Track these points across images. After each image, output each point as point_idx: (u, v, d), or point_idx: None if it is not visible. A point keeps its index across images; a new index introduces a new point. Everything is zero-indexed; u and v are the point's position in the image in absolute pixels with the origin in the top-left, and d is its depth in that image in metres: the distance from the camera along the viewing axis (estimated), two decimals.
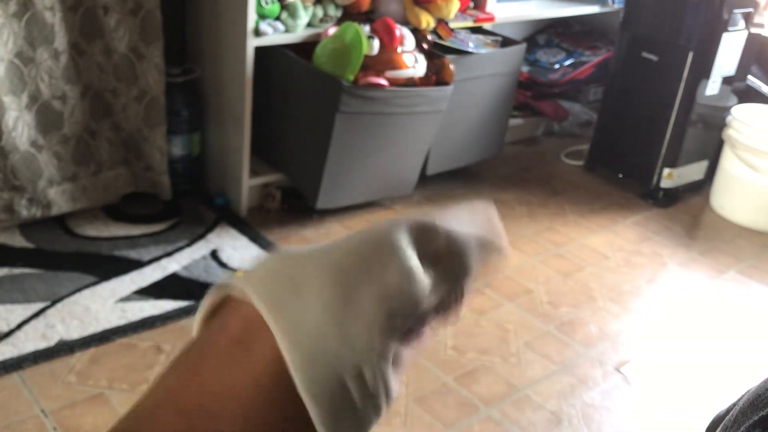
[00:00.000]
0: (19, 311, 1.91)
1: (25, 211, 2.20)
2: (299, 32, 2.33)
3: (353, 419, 0.29)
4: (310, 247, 0.32)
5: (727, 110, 2.90)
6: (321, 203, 2.41)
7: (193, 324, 0.32)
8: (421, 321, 0.32)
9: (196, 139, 2.50)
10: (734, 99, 2.95)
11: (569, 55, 3.33)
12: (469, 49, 2.62)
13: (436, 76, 2.44)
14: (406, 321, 0.31)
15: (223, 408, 0.28)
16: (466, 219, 0.34)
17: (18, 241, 2.21)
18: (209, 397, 0.29)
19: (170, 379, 0.30)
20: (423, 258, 0.31)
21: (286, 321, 0.29)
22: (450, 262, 0.32)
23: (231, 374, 0.29)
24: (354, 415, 0.29)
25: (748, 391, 0.46)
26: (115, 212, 2.40)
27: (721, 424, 0.47)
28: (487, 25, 2.86)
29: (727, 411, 0.48)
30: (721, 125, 2.92)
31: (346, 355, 0.29)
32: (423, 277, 0.31)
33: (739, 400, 0.47)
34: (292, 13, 2.29)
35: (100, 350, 1.83)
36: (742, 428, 0.43)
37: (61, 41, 2.11)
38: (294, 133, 2.41)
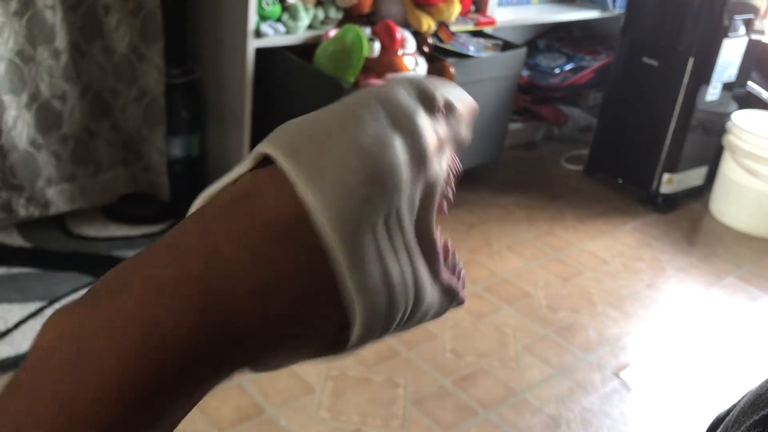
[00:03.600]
0: (16, 311, 1.91)
1: (23, 210, 2.20)
2: (300, 34, 2.33)
3: (379, 272, 0.28)
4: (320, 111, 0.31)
5: (727, 116, 2.91)
6: None
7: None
8: (439, 178, 0.31)
9: (196, 140, 2.50)
10: (734, 105, 2.95)
11: (569, 59, 3.33)
12: (470, 53, 2.62)
13: None
14: (431, 167, 0.30)
15: (231, 252, 0.26)
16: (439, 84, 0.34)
17: (16, 240, 2.20)
18: (216, 240, 0.27)
19: (172, 231, 0.28)
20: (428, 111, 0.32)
21: (305, 165, 0.27)
22: (449, 115, 0.33)
23: (237, 222, 0.27)
24: (381, 268, 0.28)
25: (748, 392, 0.46)
26: (114, 212, 2.40)
27: (722, 425, 0.47)
28: (487, 29, 2.86)
29: (728, 411, 0.48)
30: (721, 131, 2.92)
31: (375, 197, 0.28)
32: (432, 125, 0.31)
33: (739, 401, 0.47)
34: (293, 15, 2.29)
35: None
36: (742, 428, 0.43)
37: (61, 41, 2.11)
38: None
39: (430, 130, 0.31)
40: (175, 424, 0.26)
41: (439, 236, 0.33)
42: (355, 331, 0.29)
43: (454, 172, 0.33)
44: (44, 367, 0.24)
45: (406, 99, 0.31)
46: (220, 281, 0.26)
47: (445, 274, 0.33)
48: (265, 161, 0.29)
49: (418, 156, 0.30)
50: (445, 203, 0.33)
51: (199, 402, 0.27)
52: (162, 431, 0.25)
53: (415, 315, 0.31)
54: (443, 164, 0.32)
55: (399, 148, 0.29)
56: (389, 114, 0.30)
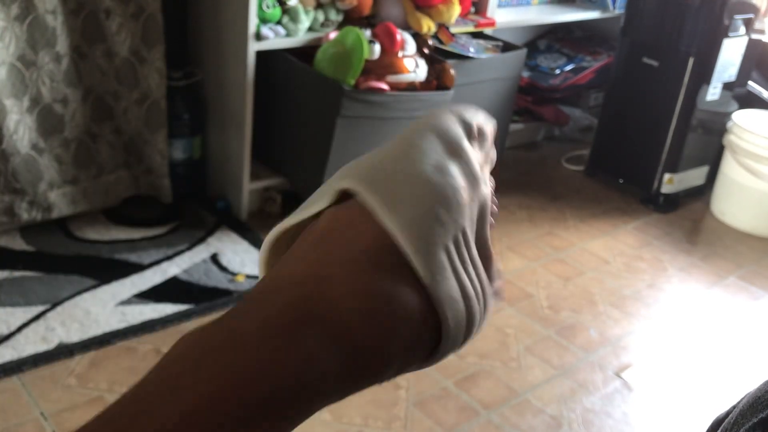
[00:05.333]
0: (19, 314, 1.91)
1: (25, 214, 2.21)
2: (300, 36, 2.33)
3: (456, 285, 0.31)
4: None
5: (727, 116, 2.91)
6: None
7: (259, 264, 0.34)
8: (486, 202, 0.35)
9: (197, 142, 2.50)
10: (735, 105, 2.95)
11: (570, 60, 3.33)
12: (470, 54, 2.62)
13: (437, 80, 2.44)
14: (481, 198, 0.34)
15: (335, 275, 0.29)
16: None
17: (18, 244, 2.21)
18: (323, 267, 0.30)
19: (288, 261, 0.31)
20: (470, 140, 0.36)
21: (383, 197, 0.31)
22: (482, 138, 0.37)
23: (339, 252, 0.30)
24: (457, 281, 0.31)
25: (747, 394, 0.46)
26: (116, 215, 2.40)
27: (721, 427, 0.47)
28: (488, 30, 2.86)
29: (727, 413, 0.48)
30: (722, 131, 2.93)
31: (444, 219, 0.31)
32: (475, 149, 0.35)
33: (738, 402, 0.47)
34: (294, 18, 2.29)
35: (100, 353, 1.83)
36: (741, 430, 0.43)
37: (62, 45, 2.12)
38: (295, 137, 2.41)
39: (475, 154, 0.35)
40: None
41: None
42: (443, 341, 0.31)
43: (493, 188, 0.37)
44: (186, 366, 0.27)
45: (454, 128, 0.35)
46: (337, 310, 0.29)
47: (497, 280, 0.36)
48: (341, 197, 0.32)
49: (472, 179, 0.33)
50: (491, 218, 0.36)
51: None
52: None
53: (484, 321, 0.34)
54: (487, 183, 0.35)
55: (457, 174, 0.33)
56: (443, 143, 0.33)
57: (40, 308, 1.94)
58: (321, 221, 0.32)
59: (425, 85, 2.41)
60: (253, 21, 2.19)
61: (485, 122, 0.37)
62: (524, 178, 3.09)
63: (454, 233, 0.32)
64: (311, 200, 0.33)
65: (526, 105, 3.26)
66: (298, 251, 0.31)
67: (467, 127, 0.36)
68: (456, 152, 0.34)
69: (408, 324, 0.30)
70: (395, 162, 0.32)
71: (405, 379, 1.88)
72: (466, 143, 0.34)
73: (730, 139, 2.85)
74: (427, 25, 2.51)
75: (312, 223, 0.32)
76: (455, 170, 0.33)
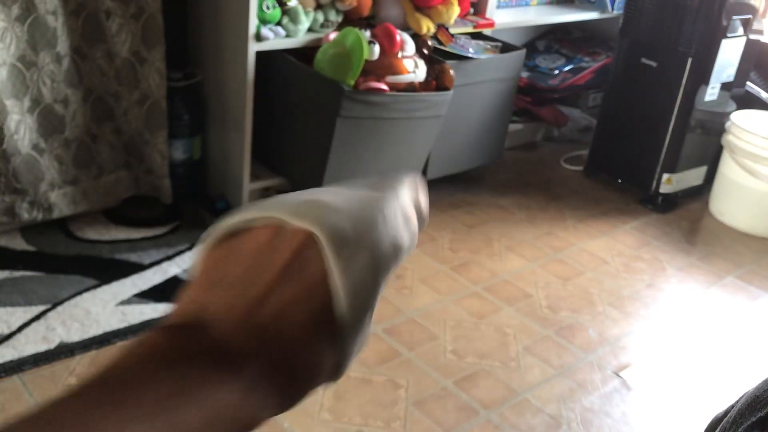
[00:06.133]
0: (19, 314, 1.92)
1: (26, 214, 2.21)
2: (300, 37, 2.34)
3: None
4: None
5: (726, 116, 2.92)
6: None
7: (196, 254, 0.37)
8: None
9: (198, 143, 2.51)
10: (733, 105, 2.96)
11: (569, 60, 3.34)
12: (470, 55, 2.63)
13: (437, 81, 2.45)
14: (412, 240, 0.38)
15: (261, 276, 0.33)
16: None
17: (19, 244, 2.21)
18: (241, 270, 0.34)
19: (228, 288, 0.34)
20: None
21: (344, 261, 0.33)
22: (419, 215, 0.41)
23: (292, 291, 0.33)
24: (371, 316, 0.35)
25: (746, 393, 0.47)
26: (116, 215, 2.41)
27: (720, 426, 0.48)
28: (487, 31, 2.87)
29: (726, 413, 0.49)
30: (720, 131, 2.93)
31: (381, 285, 0.35)
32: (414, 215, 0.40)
33: (737, 401, 0.48)
34: (293, 18, 2.30)
35: (100, 353, 1.83)
36: (740, 429, 0.44)
37: (63, 45, 2.12)
38: (295, 138, 2.42)
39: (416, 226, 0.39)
40: None
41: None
42: (344, 366, 0.35)
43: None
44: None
45: (409, 204, 0.38)
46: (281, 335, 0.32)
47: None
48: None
49: (411, 246, 0.38)
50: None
51: None
52: None
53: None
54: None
55: (405, 249, 0.37)
56: (402, 217, 0.37)
57: (40, 308, 1.95)
58: (274, 246, 0.34)
59: (425, 86, 2.41)
60: (253, 22, 2.20)
61: (425, 201, 0.41)
62: (523, 178, 3.10)
63: (383, 278, 0.35)
64: (263, 206, 0.35)
65: (525, 105, 3.27)
66: (239, 273, 0.34)
67: (417, 202, 0.40)
68: (409, 227, 0.37)
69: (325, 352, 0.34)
70: (363, 225, 0.34)
71: (404, 379, 1.89)
72: (414, 218, 0.39)
73: (729, 139, 2.86)
74: (427, 26, 2.51)
75: (259, 242, 0.34)
76: (405, 244, 0.36)
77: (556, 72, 3.29)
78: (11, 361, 1.76)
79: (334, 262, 0.33)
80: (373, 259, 0.34)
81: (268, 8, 2.23)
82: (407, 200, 0.38)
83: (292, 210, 0.34)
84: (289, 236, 0.34)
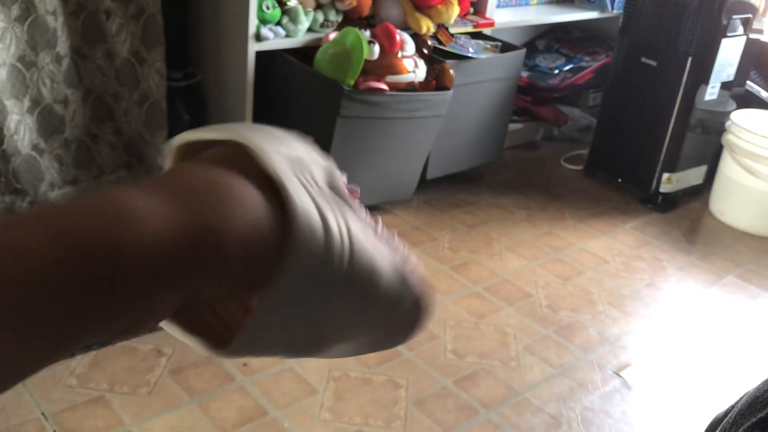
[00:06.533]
0: None
1: None
2: (300, 37, 2.34)
3: (310, 200, 0.33)
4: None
5: (726, 115, 2.92)
6: None
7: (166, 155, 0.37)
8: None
9: None
10: (733, 104, 2.96)
11: (569, 60, 3.34)
12: (469, 54, 2.63)
13: (437, 80, 2.45)
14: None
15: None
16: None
17: None
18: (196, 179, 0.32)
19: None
20: None
21: (264, 152, 0.33)
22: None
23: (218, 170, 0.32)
24: (311, 199, 0.33)
25: (746, 394, 0.47)
26: None
27: (720, 426, 0.48)
28: (486, 31, 2.87)
29: (726, 413, 0.49)
30: (720, 130, 2.93)
31: (308, 160, 0.36)
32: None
33: (737, 402, 0.48)
34: (293, 18, 2.30)
35: (100, 353, 1.83)
36: (740, 430, 0.44)
37: (63, 45, 2.12)
38: None
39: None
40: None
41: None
42: (293, 253, 0.31)
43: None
44: None
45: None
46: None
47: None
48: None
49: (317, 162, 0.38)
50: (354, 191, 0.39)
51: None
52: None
53: (359, 255, 0.34)
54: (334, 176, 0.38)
55: (305, 156, 0.37)
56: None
57: None
58: (219, 152, 0.34)
59: (424, 86, 2.41)
60: (253, 22, 2.20)
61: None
62: (523, 178, 3.10)
63: (306, 173, 0.34)
64: (219, 128, 0.36)
65: (525, 105, 3.27)
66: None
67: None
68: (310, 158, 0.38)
69: (250, 211, 0.30)
70: (278, 138, 0.37)
71: (404, 379, 1.89)
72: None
73: (729, 138, 2.86)
74: (427, 26, 2.51)
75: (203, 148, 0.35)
76: (304, 155, 0.38)
77: (556, 71, 3.29)
78: None
79: (257, 150, 0.33)
80: (286, 153, 0.35)
81: (267, 8, 2.23)
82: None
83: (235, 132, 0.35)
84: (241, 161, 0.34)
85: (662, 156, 2.91)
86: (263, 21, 2.25)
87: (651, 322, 2.27)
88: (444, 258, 2.46)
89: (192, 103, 2.45)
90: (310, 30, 2.37)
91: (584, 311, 2.27)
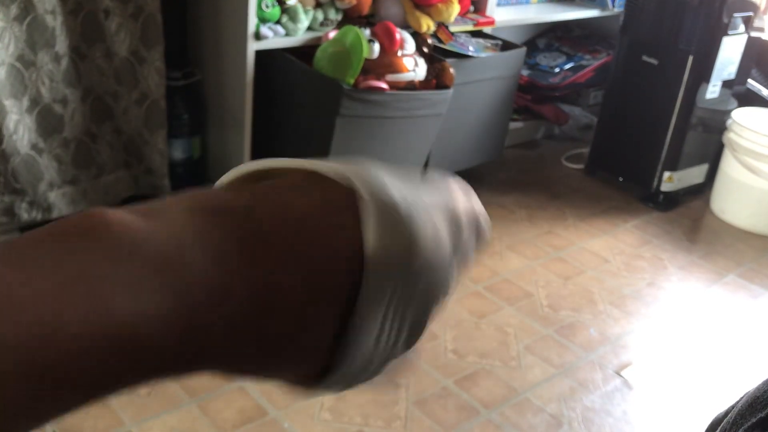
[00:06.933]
0: None
1: (25, 214, 2.21)
2: (300, 36, 2.33)
3: (377, 333, 0.30)
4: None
5: (727, 114, 2.91)
6: None
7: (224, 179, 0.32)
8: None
9: (197, 142, 2.51)
10: (734, 102, 2.95)
11: (569, 58, 3.33)
12: (470, 53, 2.62)
13: (437, 79, 2.44)
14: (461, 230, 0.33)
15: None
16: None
17: None
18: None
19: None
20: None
21: (386, 227, 0.28)
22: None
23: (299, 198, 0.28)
24: (378, 332, 0.30)
25: (746, 394, 0.47)
26: None
27: (720, 426, 0.48)
28: (487, 29, 2.86)
29: (726, 413, 0.49)
30: (722, 129, 2.93)
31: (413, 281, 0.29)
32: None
33: (737, 402, 0.47)
34: (293, 17, 2.29)
35: None
36: (740, 430, 0.43)
37: (62, 45, 2.12)
38: (294, 137, 2.41)
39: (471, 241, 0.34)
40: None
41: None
42: (333, 377, 0.30)
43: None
44: None
45: (466, 223, 0.34)
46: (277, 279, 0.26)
47: None
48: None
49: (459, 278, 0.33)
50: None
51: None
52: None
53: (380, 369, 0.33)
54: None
55: (449, 258, 0.31)
56: (454, 228, 0.33)
57: None
58: (313, 194, 0.29)
59: (425, 84, 2.41)
60: (252, 20, 2.19)
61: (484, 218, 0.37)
62: (523, 176, 3.09)
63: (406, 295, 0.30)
64: (291, 160, 0.31)
65: (525, 103, 3.26)
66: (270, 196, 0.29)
67: (471, 211, 0.36)
68: (459, 247, 0.33)
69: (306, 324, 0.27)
70: (413, 200, 0.30)
71: (405, 378, 1.89)
72: (468, 238, 0.34)
73: (730, 137, 2.85)
74: (427, 24, 2.51)
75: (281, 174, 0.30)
76: (453, 271, 0.32)
77: (557, 70, 3.28)
78: None
79: (375, 224, 0.27)
80: (416, 244, 0.28)
81: (267, 7, 2.23)
82: (464, 216, 0.34)
83: (332, 167, 0.29)
84: (329, 187, 0.29)
85: (663, 154, 2.90)
86: (263, 20, 2.25)
87: (652, 321, 2.26)
88: None
89: (191, 102, 2.45)
90: (309, 29, 2.37)
91: (585, 311, 2.27)
